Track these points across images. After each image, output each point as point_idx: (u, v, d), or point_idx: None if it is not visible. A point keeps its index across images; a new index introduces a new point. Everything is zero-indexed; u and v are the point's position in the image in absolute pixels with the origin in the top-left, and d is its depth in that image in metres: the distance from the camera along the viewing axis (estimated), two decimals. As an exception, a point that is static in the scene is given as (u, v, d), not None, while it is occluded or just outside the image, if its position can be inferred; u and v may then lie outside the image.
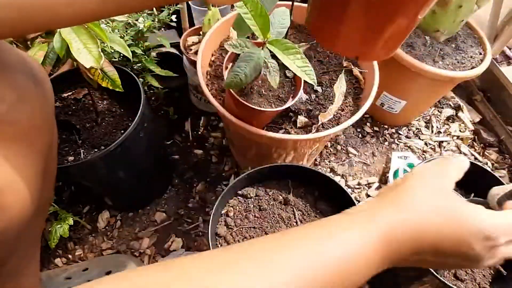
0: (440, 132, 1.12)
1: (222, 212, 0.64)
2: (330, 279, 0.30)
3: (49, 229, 0.74)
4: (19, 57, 0.42)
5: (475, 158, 1.07)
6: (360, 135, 1.09)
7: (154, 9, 0.85)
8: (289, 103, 0.65)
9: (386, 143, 1.08)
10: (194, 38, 0.97)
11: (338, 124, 0.70)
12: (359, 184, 0.99)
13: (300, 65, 0.57)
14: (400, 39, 0.37)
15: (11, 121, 0.39)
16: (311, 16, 0.40)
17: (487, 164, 1.06)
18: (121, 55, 0.81)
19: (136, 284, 0.27)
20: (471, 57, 0.92)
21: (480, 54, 0.94)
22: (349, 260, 0.31)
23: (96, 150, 0.71)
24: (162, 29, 1.07)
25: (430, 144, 1.09)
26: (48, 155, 0.47)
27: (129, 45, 0.80)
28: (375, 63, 0.75)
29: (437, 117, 1.15)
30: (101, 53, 0.53)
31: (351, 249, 0.31)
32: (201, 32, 0.94)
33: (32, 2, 0.30)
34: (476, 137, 1.12)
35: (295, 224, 0.62)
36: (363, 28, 0.35)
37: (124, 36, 0.80)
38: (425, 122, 1.14)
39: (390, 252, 0.33)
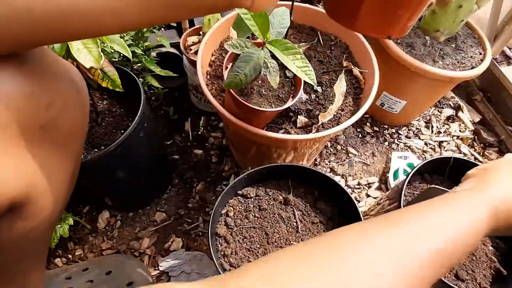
0: (440, 132, 1.12)
1: (222, 212, 0.64)
2: (450, 248, 0.34)
3: (56, 225, 0.74)
4: (64, 66, 0.44)
5: (475, 158, 1.07)
6: (360, 135, 1.09)
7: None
8: (289, 103, 0.65)
9: (386, 143, 1.08)
10: (194, 38, 0.97)
11: (338, 124, 0.70)
12: (359, 184, 0.99)
13: (300, 65, 0.57)
14: (422, 7, 0.39)
15: (57, 126, 0.41)
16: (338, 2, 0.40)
17: (487, 164, 1.06)
18: (121, 55, 0.81)
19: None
20: (471, 57, 0.92)
21: (480, 54, 0.94)
22: (463, 232, 0.36)
23: (96, 150, 0.71)
24: (162, 29, 1.07)
25: (430, 144, 1.09)
26: (77, 160, 0.49)
27: (129, 45, 0.80)
28: (375, 63, 0.75)
29: (437, 117, 1.15)
30: (101, 53, 0.53)
31: (465, 222, 0.36)
32: (201, 32, 0.94)
33: (80, 13, 0.30)
34: (476, 137, 1.12)
35: (295, 224, 0.62)
36: (394, 6, 0.36)
37: (124, 36, 0.80)
38: (425, 122, 1.14)
39: (497, 223, 0.39)
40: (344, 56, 0.81)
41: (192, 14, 0.34)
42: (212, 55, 0.79)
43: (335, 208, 0.65)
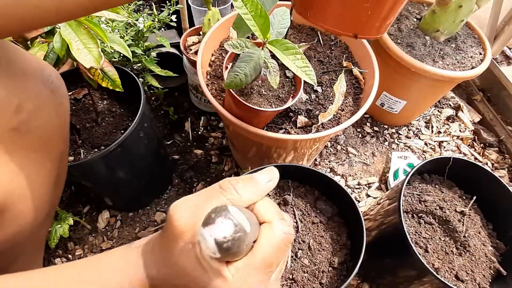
0: (440, 132, 1.12)
1: (222, 212, 0.64)
2: None
3: (49, 229, 0.74)
4: (37, 64, 0.42)
5: (475, 158, 1.07)
6: (360, 135, 1.09)
7: (154, 9, 0.85)
8: (289, 103, 0.65)
9: (386, 143, 1.08)
10: (194, 38, 0.97)
11: (338, 124, 0.70)
12: (359, 184, 0.99)
13: (300, 65, 0.57)
14: (398, 6, 0.34)
15: (30, 129, 0.39)
16: None
17: (487, 164, 1.06)
18: (121, 55, 0.81)
19: None
20: (471, 57, 0.92)
21: (480, 54, 0.94)
22: None
23: (96, 150, 0.71)
24: (162, 29, 1.07)
25: (430, 144, 1.09)
26: (61, 161, 0.47)
27: (129, 45, 0.80)
28: (375, 63, 0.75)
29: (437, 117, 1.15)
30: (101, 53, 0.53)
31: None
32: (201, 32, 0.94)
33: None
34: (476, 137, 1.12)
35: (295, 224, 0.62)
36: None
37: (124, 36, 0.80)
38: (425, 122, 1.14)
39: None
40: (344, 56, 0.81)
41: None
42: (212, 55, 0.79)
43: (335, 208, 0.65)
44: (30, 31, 0.54)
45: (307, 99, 0.73)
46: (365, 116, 1.13)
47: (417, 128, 1.12)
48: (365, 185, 0.99)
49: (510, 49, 1.29)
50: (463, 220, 0.68)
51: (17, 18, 0.30)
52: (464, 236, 0.66)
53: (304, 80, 0.64)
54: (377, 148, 1.07)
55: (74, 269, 0.32)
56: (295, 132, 0.71)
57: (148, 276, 0.32)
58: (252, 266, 0.29)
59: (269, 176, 0.33)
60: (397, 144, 1.08)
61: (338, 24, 0.35)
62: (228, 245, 0.27)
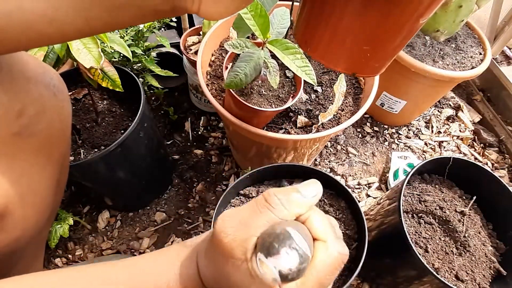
0: (440, 132, 1.12)
1: (222, 212, 0.64)
2: None
3: (49, 229, 0.74)
4: (39, 67, 0.42)
5: (475, 158, 1.07)
6: (360, 135, 1.09)
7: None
8: (289, 103, 0.65)
9: (386, 143, 1.08)
10: (194, 38, 0.97)
11: (338, 124, 0.70)
12: (359, 184, 0.99)
13: (300, 65, 0.57)
14: (399, 49, 0.35)
15: (31, 133, 0.39)
16: (302, 27, 0.36)
17: (487, 164, 1.06)
18: (121, 55, 0.81)
19: None
20: (471, 57, 0.92)
21: (480, 54, 0.94)
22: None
23: (96, 150, 0.71)
24: (162, 29, 1.07)
25: (430, 144, 1.09)
26: (62, 164, 0.47)
27: (129, 45, 0.80)
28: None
29: (437, 117, 1.15)
30: (101, 53, 0.53)
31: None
32: (201, 32, 0.94)
33: (8, 22, 0.28)
34: (476, 137, 1.12)
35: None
36: (361, 42, 0.32)
37: (124, 36, 0.80)
38: (425, 122, 1.14)
39: None
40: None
41: (134, 20, 0.31)
42: (212, 55, 0.79)
43: (337, 208, 0.65)
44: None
45: (307, 99, 0.73)
46: (365, 116, 1.13)
47: (417, 128, 1.12)
48: (365, 185, 0.99)
49: (510, 49, 1.29)
50: (463, 220, 0.68)
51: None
52: (464, 236, 0.66)
53: (304, 80, 0.64)
54: (377, 148, 1.07)
55: (129, 264, 0.33)
56: (295, 132, 0.71)
57: (202, 275, 0.32)
58: (306, 286, 0.28)
59: (315, 190, 0.33)
60: (397, 144, 1.08)
61: (336, 63, 0.36)
62: (292, 276, 0.26)
